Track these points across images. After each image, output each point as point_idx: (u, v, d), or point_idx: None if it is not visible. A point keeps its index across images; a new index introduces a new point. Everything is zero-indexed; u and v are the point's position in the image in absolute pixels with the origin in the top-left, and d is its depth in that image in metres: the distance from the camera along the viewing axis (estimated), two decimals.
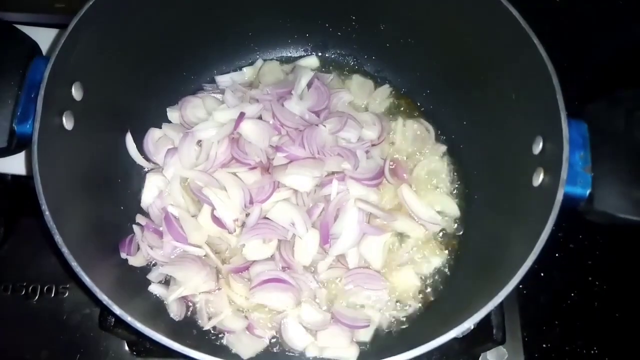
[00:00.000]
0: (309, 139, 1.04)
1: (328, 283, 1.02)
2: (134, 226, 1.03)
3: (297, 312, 0.98)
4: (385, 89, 1.20)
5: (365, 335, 0.99)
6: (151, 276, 1.01)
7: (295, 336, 0.97)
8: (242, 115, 1.06)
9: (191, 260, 0.99)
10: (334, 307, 1.00)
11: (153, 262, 1.03)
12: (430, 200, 1.08)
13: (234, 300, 1.00)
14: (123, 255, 0.99)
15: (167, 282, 1.01)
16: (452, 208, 1.09)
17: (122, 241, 1.00)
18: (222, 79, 1.19)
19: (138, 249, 1.02)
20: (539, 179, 0.83)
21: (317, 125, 1.07)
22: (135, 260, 1.01)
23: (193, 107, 1.13)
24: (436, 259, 1.05)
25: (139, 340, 1.05)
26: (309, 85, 1.14)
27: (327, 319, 0.98)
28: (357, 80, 1.20)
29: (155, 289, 0.99)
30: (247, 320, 0.99)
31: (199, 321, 0.99)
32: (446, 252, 1.06)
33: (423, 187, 1.10)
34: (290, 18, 1.16)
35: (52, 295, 1.13)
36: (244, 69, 1.20)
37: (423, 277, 1.04)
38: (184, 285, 0.97)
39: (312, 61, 1.22)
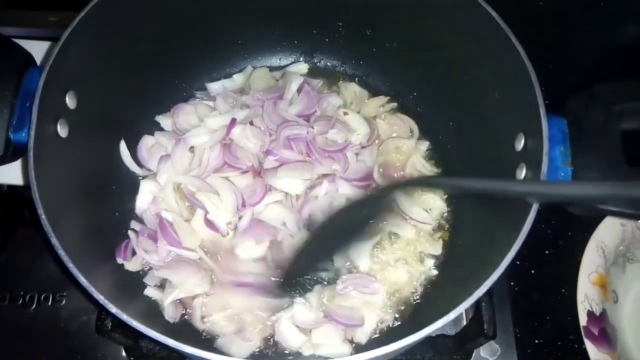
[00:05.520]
0: (296, 140, 1.06)
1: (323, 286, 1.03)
2: (129, 232, 1.04)
3: (290, 313, 0.99)
4: (381, 99, 1.21)
5: (362, 337, 0.99)
6: (147, 279, 1.02)
7: (289, 336, 0.98)
8: (233, 121, 1.08)
9: (186, 264, 1.01)
10: (328, 306, 1.00)
11: (148, 267, 1.04)
12: (419, 199, 1.10)
13: (229, 302, 1.01)
14: (119, 260, 1.01)
15: (162, 286, 1.02)
16: (441, 206, 1.11)
17: (118, 246, 1.02)
18: (213, 86, 1.21)
19: (134, 254, 1.03)
20: (521, 174, 0.85)
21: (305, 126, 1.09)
22: (131, 265, 1.02)
23: (185, 114, 1.15)
24: (427, 257, 1.07)
25: (136, 346, 1.06)
26: (299, 90, 1.16)
27: (320, 318, 0.99)
28: (352, 88, 1.22)
29: (150, 292, 1.01)
30: (238, 323, 0.99)
31: (194, 324, 1.00)
32: (437, 249, 1.07)
33: None
34: (279, 26, 1.19)
35: (50, 303, 1.13)
36: (235, 76, 1.22)
37: (415, 275, 1.05)
38: (179, 288, 0.98)
39: (302, 67, 1.24)
